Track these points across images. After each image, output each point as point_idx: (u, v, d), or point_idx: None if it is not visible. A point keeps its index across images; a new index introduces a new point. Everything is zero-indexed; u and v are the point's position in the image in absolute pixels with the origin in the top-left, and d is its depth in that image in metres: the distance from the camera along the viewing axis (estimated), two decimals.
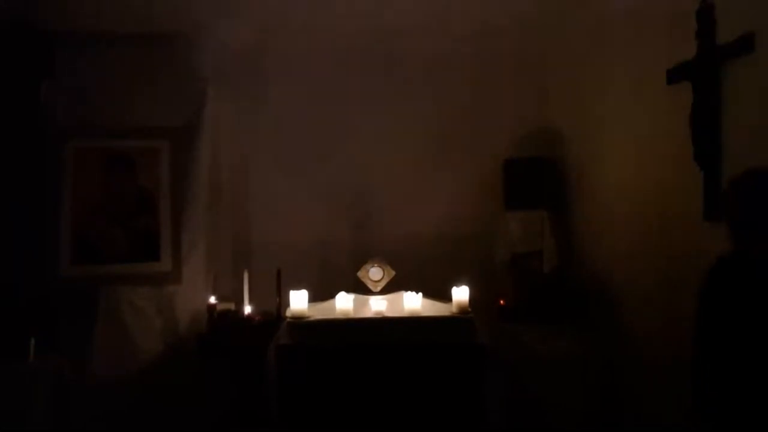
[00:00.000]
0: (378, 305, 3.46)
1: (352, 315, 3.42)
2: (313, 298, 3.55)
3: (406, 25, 4.29)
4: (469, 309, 3.45)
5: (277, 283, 3.93)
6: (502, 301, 4.30)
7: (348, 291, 3.52)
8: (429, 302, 3.54)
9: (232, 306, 4.14)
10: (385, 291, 3.68)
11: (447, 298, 3.52)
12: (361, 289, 3.68)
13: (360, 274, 3.73)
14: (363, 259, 3.79)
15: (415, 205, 4.68)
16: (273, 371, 3.30)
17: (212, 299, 4.12)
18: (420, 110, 4.70)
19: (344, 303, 3.44)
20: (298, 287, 3.48)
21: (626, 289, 3.76)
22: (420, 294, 3.48)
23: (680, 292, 3.24)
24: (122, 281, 4.16)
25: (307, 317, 3.41)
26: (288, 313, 3.48)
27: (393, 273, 3.72)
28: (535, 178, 4.37)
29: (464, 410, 3.29)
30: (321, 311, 3.49)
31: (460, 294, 3.45)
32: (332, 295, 3.52)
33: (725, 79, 2.91)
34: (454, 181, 4.74)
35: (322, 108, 4.62)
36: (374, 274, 3.72)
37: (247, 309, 4.01)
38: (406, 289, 3.51)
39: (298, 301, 3.42)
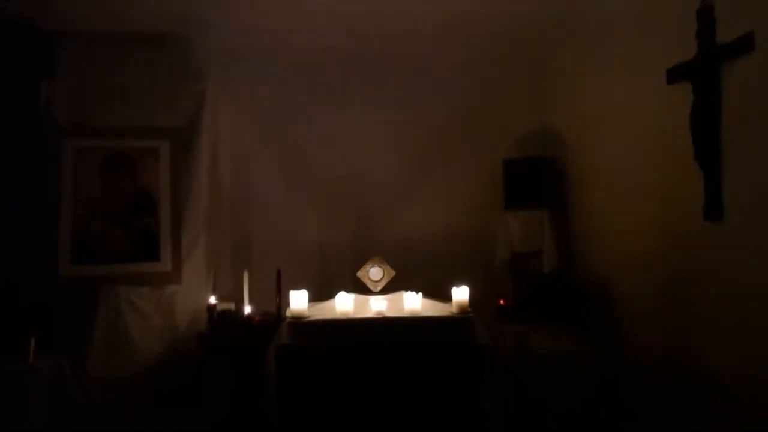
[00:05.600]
0: (378, 305, 3.45)
1: (352, 315, 3.42)
2: (313, 298, 3.54)
3: (406, 26, 4.28)
4: (469, 309, 3.45)
5: (277, 283, 3.93)
6: (502, 301, 4.30)
7: (348, 291, 3.52)
8: (429, 302, 3.53)
9: (232, 306, 4.13)
10: (385, 291, 3.67)
11: (447, 298, 3.52)
12: (361, 289, 3.68)
13: (360, 274, 3.73)
14: (363, 259, 3.79)
15: (414, 205, 4.68)
16: (273, 371, 3.29)
17: (212, 299, 4.12)
18: (420, 110, 4.70)
19: (344, 303, 3.43)
20: (298, 287, 3.48)
21: (626, 289, 3.77)
22: (420, 294, 3.48)
23: (680, 292, 3.25)
24: (122, 281, 4.15)
25: (307, 317, 3.41)
26: (288, 313, 3.48)
27: (393, 273, 3.72)
28: (535, 178, 4.37)
29: (464, 410, 3.29)
30: (321, 311, 3.49)
31: (460, 294, 3.45)
32: (332, 295, 3.52)
33: (725, 79, 2.91)
34: (454, 182, 4.75)
35: (321, 108, 4.63)
36: (374, 274, 3.72)
37: (247, 309, 4.01)
38: (406, 289, 3.51)
39: (298, 301, 3.42)
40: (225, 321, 4.04)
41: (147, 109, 4.32)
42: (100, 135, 4.27)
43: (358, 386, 3.29)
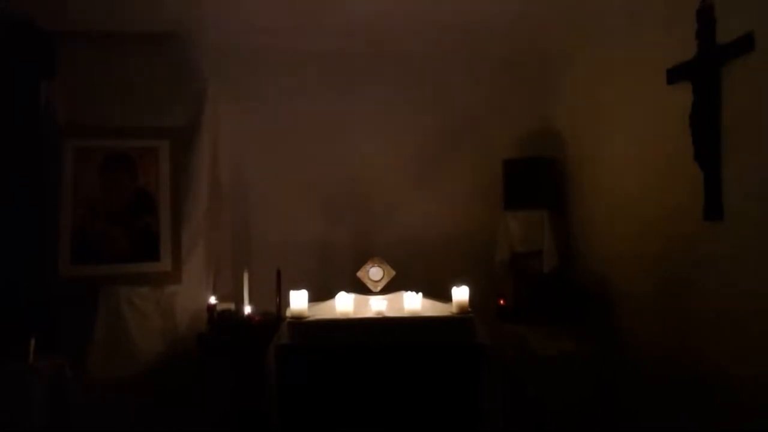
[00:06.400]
0: (378, 305, 3.45)
1: (352, 315, 3.42)
2: (313, 298, 3.54)
3: (406, 27, 4.28)
4: (469, 309, 3.45)
5: (277, 283, 3.93)
6: (502, 301, 4.30)
7: (348, 291, 3.52)
8: (429, 302, 3.53)
9: (232, 306, 4.14)
10: (385, 291, 3.67)
11: (447, 298, 3.51)
12: (361, 289, 3.68)
13: (360, 274, 3.73)
14: (363, 259, 3.79)
15: (415, 205, 4.69)
16: (273, 371, 3.29)
17: (212, 299, 4.12)
18: (420, 110, 4.71)
19: (344, 303, 3.43)
20: (298, 287, 3.48)
21: (626, 289, 3.77)
22: (420, 294, 3.48)
23: (680, 292, 3.25)
24: (122, 281, 4.15)
25: (307, 317, 3.41)
26: (288, 313, 3.47)
27: (393, 273, 3.72)
28: (535, 178, 4.38)
29: (463, 410, 3.29)
30: (321, 311, 3.49)
31: (460, 294, 3.45)
32: (332, 295, 3.52)
33: (725, 79, 2.91)
34: (454, 181, 4.75)
35: (321, 108, 4.63)
36: (374, 274, 3.72)
37: (247, 309, 4.01)
38: (406, 289, 3.51)
39: (298, 301, 3.42)
40: (225, 321, 4.04)
41: (147, 109, 4.33)
42: (100, 135, 4.27)
43: (358, 386, 3.29)
